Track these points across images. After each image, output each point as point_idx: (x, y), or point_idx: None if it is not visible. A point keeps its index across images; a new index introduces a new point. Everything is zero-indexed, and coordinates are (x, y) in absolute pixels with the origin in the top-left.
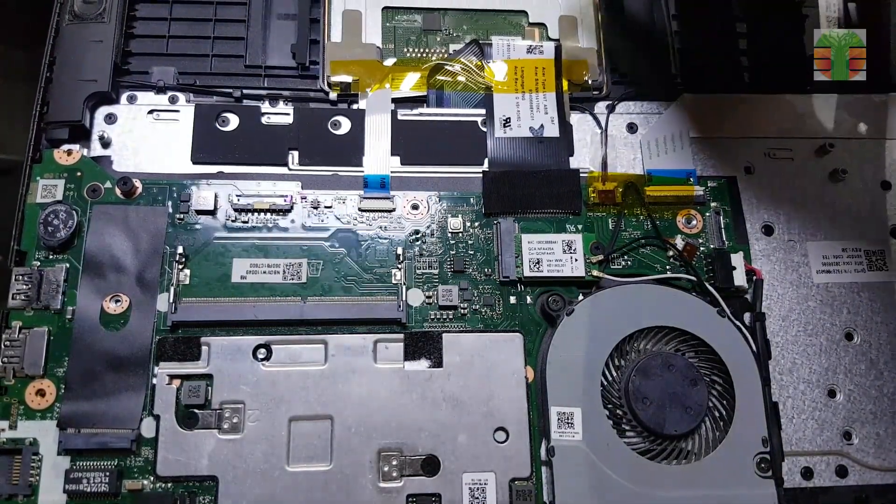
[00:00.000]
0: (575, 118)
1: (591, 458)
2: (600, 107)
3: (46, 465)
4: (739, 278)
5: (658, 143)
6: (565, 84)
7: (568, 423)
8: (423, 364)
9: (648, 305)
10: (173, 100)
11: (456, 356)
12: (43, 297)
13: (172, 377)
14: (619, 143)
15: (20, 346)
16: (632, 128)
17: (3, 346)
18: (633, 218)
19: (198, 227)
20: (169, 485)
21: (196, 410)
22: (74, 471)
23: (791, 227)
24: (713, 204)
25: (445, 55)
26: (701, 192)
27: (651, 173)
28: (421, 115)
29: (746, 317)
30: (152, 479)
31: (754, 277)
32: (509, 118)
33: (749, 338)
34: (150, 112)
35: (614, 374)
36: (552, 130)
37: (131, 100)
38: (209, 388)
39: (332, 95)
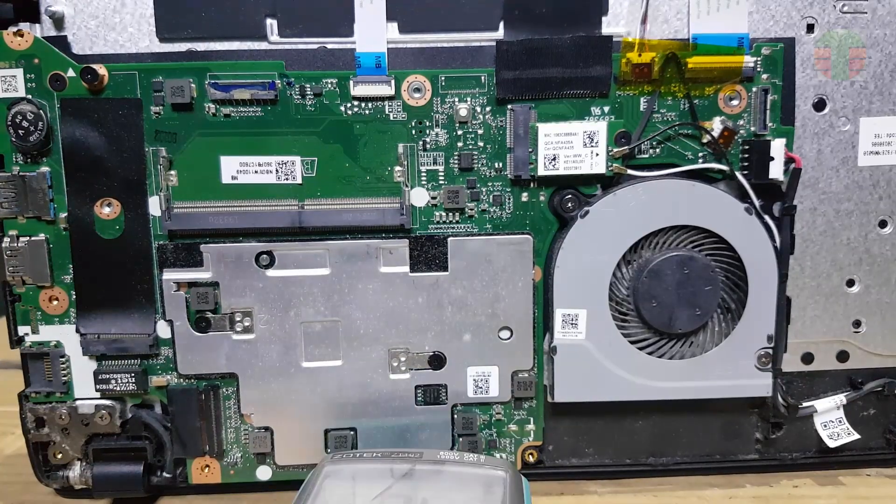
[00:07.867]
0: None
1: (593, 354)
2: None
3: (75, 365)
4: (776, 170)
5: None
6: None
7: (572, 324)
8: (428, 269)
9: (669, 203)
10: None
11: (462, 261)
12: (31, 206)
13: (179, 284)
14: None
15: (23, 255)
16: None
17: (5, 256)
18: (668, 97)
19: (176, 122)
20: (192, 381)
21: (208, 314)
22: (102, 372)
23: (846, 99)
24: (763, 76)
25: None
26: (751, 64)
27: (697, 40)
28: None
29: (776, 207)
30: (175, 374)
31: (792, 165)
32: None
33: (775, 234)
34: None
35: (625, 274)
36: None
37: None
38: (217, 292)
39: None
